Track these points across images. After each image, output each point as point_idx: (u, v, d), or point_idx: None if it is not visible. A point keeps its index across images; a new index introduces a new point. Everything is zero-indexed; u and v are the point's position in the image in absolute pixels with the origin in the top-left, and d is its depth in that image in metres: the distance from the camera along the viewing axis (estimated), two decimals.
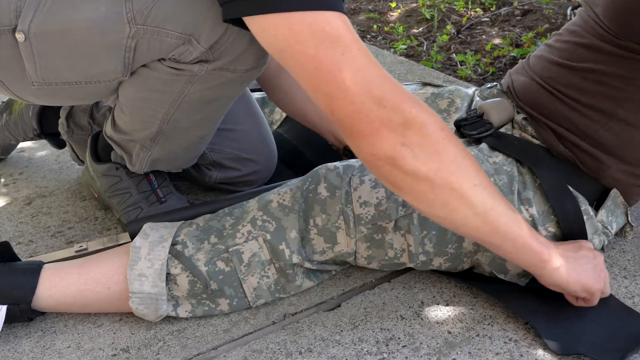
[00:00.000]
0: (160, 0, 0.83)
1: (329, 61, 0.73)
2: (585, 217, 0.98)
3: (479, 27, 2.66)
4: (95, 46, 0.85)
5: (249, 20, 0.76)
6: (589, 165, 1.01)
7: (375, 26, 2.76)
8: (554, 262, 0.86)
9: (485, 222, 0.81)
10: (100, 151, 1.19)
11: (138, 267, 0.93)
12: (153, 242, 0.94)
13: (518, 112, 1.07)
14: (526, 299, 0.96)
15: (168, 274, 0.93)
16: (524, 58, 1.15)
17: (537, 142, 1.04)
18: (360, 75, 0.74)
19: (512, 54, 2.30)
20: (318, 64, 0.74)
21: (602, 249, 1.05)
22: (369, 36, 2.69)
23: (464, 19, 2.73)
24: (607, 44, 0.97)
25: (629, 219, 1.08)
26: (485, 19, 2.74)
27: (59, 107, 1.30)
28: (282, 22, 0.73)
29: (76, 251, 1.07)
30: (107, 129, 1.07)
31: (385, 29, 2.72)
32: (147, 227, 0.97)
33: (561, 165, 1.01)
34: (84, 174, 1.29)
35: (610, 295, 0.96)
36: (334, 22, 0.74)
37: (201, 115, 0.99)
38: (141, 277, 0.92)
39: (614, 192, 1.02)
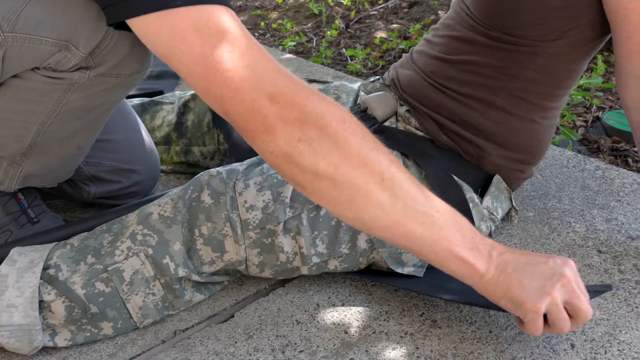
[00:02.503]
0: (30, 5, 0.78)
1: (217, 58, 0.70)
2: (471, 205, 1.02)
3: (367, 21, 2.72)
4: None
5: (132, 23, 0.73)
6: (471, 153, 1.06)
7: (262, 23, 2.76)
8: (490, 275, 0.78)
9: (396, 222, 0.76)
10: None
11: (6, 297, 0.87)
12: (22, 269, 0.89)
13: (401, 105, 1.10)
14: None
15: (41, 301, 0.88)
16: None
17: (420, 133, 1.07)
18: (250, 71, 0.72)
19: (401, 47, 2.37)
20: (205, 63, 0.71)
21: (490, 235, 1.10)
22: (256, 34, 2.68)
23: (352, 12, 2.78)
24: (479, 36, 1.01)
25: (514, 203, 1.14)
26: (374, 12, 2.80)
27: None
28: (164, 21, 0.70)
29: None
30: None
31: (273, 25, 2.73)
32: (14, 252, 0.92)
33: (445, 155, 1.05)
34: None
35: None
36: (219, 17, 0.71)
37: (80, 124, 0.94)
38: (10, 307, 0.87)
39: (497, 178, 1.07)
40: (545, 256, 0.80)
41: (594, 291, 0.87)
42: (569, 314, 0.78)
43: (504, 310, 0.81)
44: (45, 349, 0.92)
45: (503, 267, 0.78)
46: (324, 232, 0.97)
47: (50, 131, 0.92)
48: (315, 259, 0.98)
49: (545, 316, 0.78)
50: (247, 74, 0.71)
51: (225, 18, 0.72)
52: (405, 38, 2.49)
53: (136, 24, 0.72)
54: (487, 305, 0.84)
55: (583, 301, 0.77)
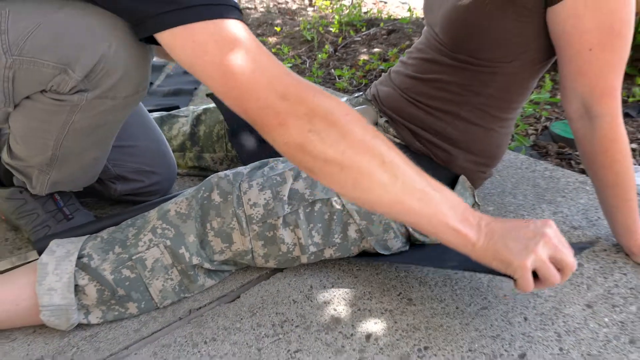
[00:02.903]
0: (38, 31, 0.76)
1: (233, 65, 0.70)
2: None
3: (352, 46, 2.72)
4: None
5: (160, 38, 0.72)
6: (441, 157, 1.06)
7: None
8: (481, 243, 0.76)
9: (397, 200, 0.73)
10: (2, 176, 1.11)
11: (46, 282, 0.87)
12: (60, 258, 0.89)
13: (381, 117, 1.11)
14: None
15: (76, 285, 0.88)
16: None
17: (398, 140, 1.08)
18: (261, 74, 0.71)
19: (381, 67, 2.37)
20: (224, 69, 0.70)
21: None
22: None
23: (340, 39, 2.79)
24: (446, 58, 1.02)
25: (476, 199, 1.14)
26: (358, 39, 2.80)
27: None
28: (185, 35, 0.69)
29: None
30: (4, 156, 1.00)
31: (273, 50, 2.73)
32: (52, 244, 0.91)
33: (418, 159, 1.05)
34: None
35: None
36: (234, 28, 0.71)
37: (91, 140, 0.93)
38: (50, 291, 0.87)
39: (462, 178, 1.08)
40: (527, 221, 0.79)
41: (578, 248, 0.87)
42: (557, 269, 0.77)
43: (499, 273, 0.79)
44: (80, 326, 0.92)
45: (491, 234, 0.76)
46: (319, 225, 0.97)
47: (66, 146, 0.90)
48: (312, 248, 0.98)
49: (537, 274, 0.77)
50: (259, 77, 0.71)
51: (239, 29, 0.71)
52: (385, 60, 2.49)
53: (164, 38, 0.71)
54: (484, 270, 0.82)
55: (566, 254, 0.76)
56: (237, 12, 0.72)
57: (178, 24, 0.69)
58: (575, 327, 0.90)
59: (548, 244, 0.75)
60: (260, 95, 0.71)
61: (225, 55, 0.70)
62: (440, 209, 0.74)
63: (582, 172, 1.51)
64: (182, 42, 0.70)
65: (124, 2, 0.72)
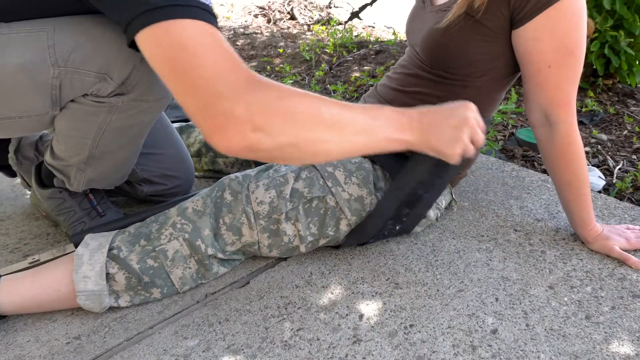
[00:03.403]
0: (79, 45, 0.76)
1: (182, 64, 0.61)
2: None
3: (345, 64, 2.71)
4: (25, 87, 0.78)
5: (138, 43, 0.64)
6: None
7: (268, 67, 2.75)
8: (417, 140, 0.75)
9: (348, 147, 0.70)
10: (44, 178, 1.10)
11: (82, 270, 0.86)
12: (93, 249, 0.88)
13: None
14: None
15: (107, 273, 0.87)
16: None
17: None
18: (205, 73, 0.61)
19: (370, 83, 2.36)
20: (173, 67, 0.62)
21: (437, 219, 1.10)
22: (264, 74, 2.67)
23: (334, 58, 2.77)
24: (425, 73, 1.01)
25: (454, 196, 1.14)
26: (350, 58, 2.79)
27: (7, 143, 1.19)
28: (148, 36, 0.62)
29: (30, 262, 0.98)
30: (47, 157, 0.99)
31: (277, 68, 2.72)
32: (87, 237, 0.90)
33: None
34: (32, 197, 1.18)
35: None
36: (190, 28, 0.62)
37: (124, 140, 0.92)
38: (85, 278, 0.86)
39: None
40: (452, 107, 0.77)
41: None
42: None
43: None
44: (111, 308, 0.91)
45: (424, 130, 0.75)
46: (315, 219, 0.96)
47: (102, 144, 0.90)
48: (309, 238, 0.98)
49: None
50: (200, 79, 0.61)
51: (195, 29, 0.62)
52: (373, 77, 2.48)
53: (139, 42, 0.64)
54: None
55: (480, 134, 0.77)
56: (201, 13, 0.63)
57: (143, 25, 0.62)
58: (539, 305, 0.90)
59: (471, 129, 0.77)
60: (199, 95, 0.61)
61: (176, 52, 0.61)
62: (381, 131, 0.72)
63: (544, 172, 1.50)
64: (145, 42, 0.63)
65: (112, 18, 0.68)
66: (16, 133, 0.87)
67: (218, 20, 0.64)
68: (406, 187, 0.93)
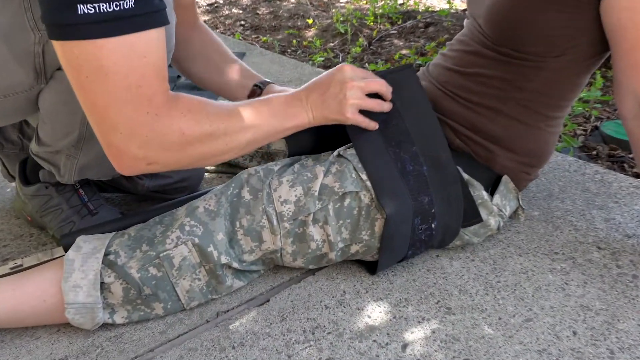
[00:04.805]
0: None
1: (83, 85, 0.70)
2: (480, 201, 1.02)
3: (387, 39, 2.71)
4: (3, 57, 0.80)
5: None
6: (482, 155, 1.04)
7: (294, 41, 2.76)
8: (312, 118, 0.92)
9: (239, 148, 0.86)
10: (29, 173, 1.13)
11: (72, 278, 0.88)
12: (86, 254, 0.90)
13: None
14: None
15: (102, 283, 0.89)
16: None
17: None
18: (103, 101, 0.71)
19: (418, 62, 2.35)
20: (77, 82, 0.71)
21: (498, 229, 1.09)
22: (289, 50, 2.69)
23: (374, 32, 2.77)
24: (489, 50, 1.01)
25: (521, 202, 1.12)
26: (393, 32, 2.79)
27: None
28: (57, 44, 0.69)
29: (11, 268, 1.00)
30: (33, 146, 1.02)
31: (305, 43, 2.73)
32: (79, 240, 0.93)
33: (458, 156, 1.04)
34: (15, 200, 1.22)
35: None
36: (97, 51, 0.68)
37: None
38: (76, 288, 0.88)
39: (505, 179, 1.06)
40: (328, 76, 0.93)
41: (392, 72, 1.00)
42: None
43: None
44: (105, 325, 0.93)
45: (315, 106, 0.92)
46: (348, 221, 0.97)
47: None
48: (340, 245, 0.98)
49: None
50: (97, 107, 0.72)
51: (104, 50, 0.69)
52: (422, 54, 2.47)
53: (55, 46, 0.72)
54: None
55: (372, 82, 0.93)
56: (126, 25, 0.69)
57: (50, 36, 0.69)
58: (629, 344, 0.88)
59: (353, 88, 0.91)
60: (98, 125, 0.74)
61: (77, 74, 0.70)
62: (273, 127, 0.88)
63: (637, 176, 1.47)
64: (62, 53, 0.70)
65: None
66: (2, 118, 0.90)
67: None
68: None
